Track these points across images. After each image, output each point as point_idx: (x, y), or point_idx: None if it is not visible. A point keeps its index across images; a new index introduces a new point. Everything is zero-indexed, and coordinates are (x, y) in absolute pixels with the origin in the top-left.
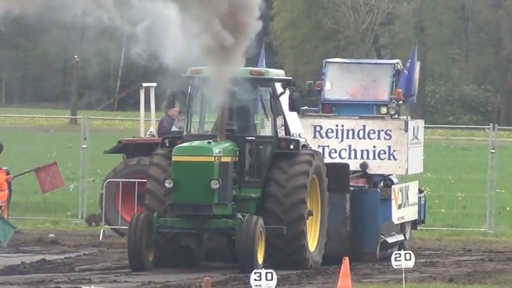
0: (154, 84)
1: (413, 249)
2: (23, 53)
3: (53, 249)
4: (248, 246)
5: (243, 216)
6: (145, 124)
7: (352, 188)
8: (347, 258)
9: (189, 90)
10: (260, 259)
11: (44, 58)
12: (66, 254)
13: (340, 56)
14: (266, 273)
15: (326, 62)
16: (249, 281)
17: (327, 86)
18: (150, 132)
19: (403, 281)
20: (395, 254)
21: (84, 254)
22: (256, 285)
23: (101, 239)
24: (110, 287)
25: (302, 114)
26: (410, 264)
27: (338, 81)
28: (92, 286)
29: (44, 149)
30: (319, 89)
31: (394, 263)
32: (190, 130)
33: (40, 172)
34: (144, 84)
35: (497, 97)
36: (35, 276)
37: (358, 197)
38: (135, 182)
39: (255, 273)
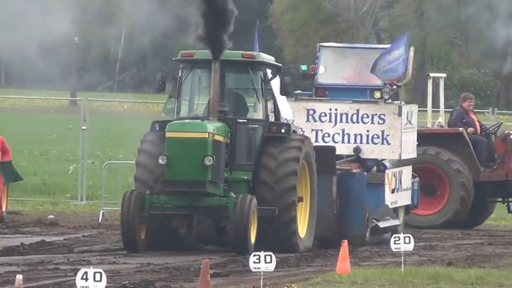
0: (443, 75)
1: (412, 232)
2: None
3: (52, 231)
4: (242, 224)
5: (236, 196)
6: (432, 115)
7: (339, 171)
8: (346, 241)
9: (179, 74)
10: (253, 238)
11: (44, 39)
12: (66, 235)
13: (340, 39)
14: (265, 255)
15: (320, 46)
16: (248, 264)
17: (321, 70)
18: (439, 122)
19: (402, 264)
20: (395, 237)
21: (83, 236)
22: (255, 268)
23: (100, 220)
24: (108, 269)
25: (295, 98)
26: (410, 247)
27: (332, 66)
28: (91, 267)
29: (44, 131)
30: (312, 73)
31: (393, 246)
32: (180, 114)
33: None
34: (432, 74)
35: (497, 81)
36: (34, 258)
37: (344, 180)
38: (417, 171)
39: (254, 255)
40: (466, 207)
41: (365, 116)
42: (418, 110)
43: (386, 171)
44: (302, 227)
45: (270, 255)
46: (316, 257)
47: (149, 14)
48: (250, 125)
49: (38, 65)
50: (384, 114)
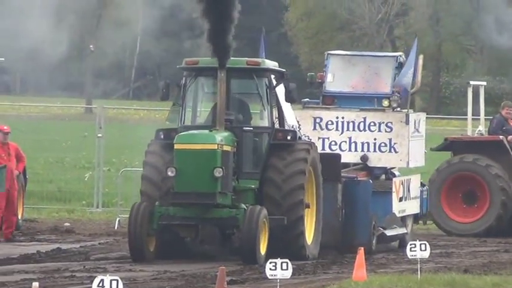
0: (484, 83)
1: (428, 239)
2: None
3: (68, 238)
4: (251, 235)
5: (246, 206)
6: (472, 123)
7: (344, 179)
8: (362, 248)
9: (183, 82)
10: (263, 250)
11: (59, 47)
12: (82, 242)
13: (355, 46)
14: (281, 262)
15: (328, 54)
16: (264, 271)
17: (329, 78)
18: (479, 130)
19: (418, 272)
20: (411, 245)
21: (99, 243)
22: (272, 275)
23: (116, 228)
24: (125, 276)
25: (303, 106)
26: (426, 254)
27: (340, 73)
28: (107, 275)
29: (59, 138)
30: (320, 80)
31: (409, 254)
32: (184, 122)
33: None
34: (472, 82)
35: None
36: (50, 265)
37: (350, 188)
38: (457, 179)
39: (270, 262)
40: (508, 211)
41: (372, 124)
42: (435, 117)
43: (394, 179)
44: (309, 234)
45: (287, 263)
46: (332, 264)
47: (161, 23)
48: (256, 133)
49: (54, 73)
50: (391, 122)
